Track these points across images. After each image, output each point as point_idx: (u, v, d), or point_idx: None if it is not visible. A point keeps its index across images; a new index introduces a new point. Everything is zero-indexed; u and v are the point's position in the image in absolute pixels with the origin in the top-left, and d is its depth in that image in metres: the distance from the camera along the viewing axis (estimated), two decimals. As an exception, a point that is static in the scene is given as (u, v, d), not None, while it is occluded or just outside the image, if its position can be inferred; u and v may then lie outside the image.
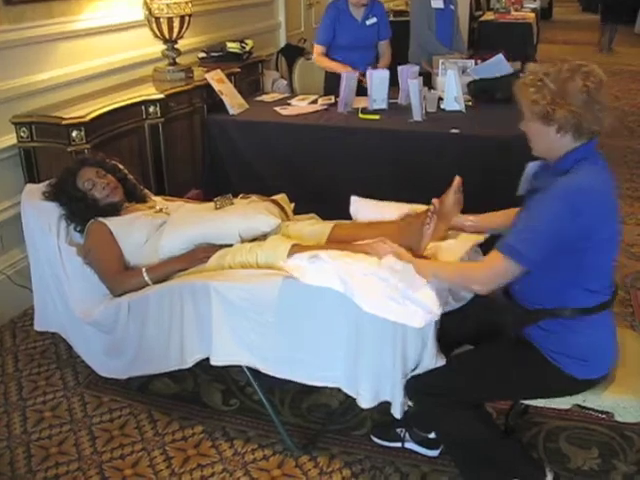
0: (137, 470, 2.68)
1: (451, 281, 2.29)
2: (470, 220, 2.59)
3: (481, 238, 2.55)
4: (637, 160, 6.53)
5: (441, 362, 2.27)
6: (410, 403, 2.40)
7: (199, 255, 2.74)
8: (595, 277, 2.10)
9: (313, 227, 2.85)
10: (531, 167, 2.25)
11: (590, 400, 2.23)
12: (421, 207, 2.68)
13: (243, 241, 2.74)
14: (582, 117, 1.97)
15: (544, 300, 2.13)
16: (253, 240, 2.75)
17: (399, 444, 2.73)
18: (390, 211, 2.77)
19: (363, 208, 2.91)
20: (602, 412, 2.29)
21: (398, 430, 2.73)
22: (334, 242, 2.69)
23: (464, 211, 2.60)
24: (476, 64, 4.91)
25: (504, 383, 2.24)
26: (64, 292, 2.96)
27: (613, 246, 2.13)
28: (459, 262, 2.35)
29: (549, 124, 2.00)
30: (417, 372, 2.30)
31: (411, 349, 2.25)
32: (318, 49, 5.04)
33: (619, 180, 5.92)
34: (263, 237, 2.75)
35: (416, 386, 2.30)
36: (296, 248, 2.54)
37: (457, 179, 2.52)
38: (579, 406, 2.28)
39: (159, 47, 4.58)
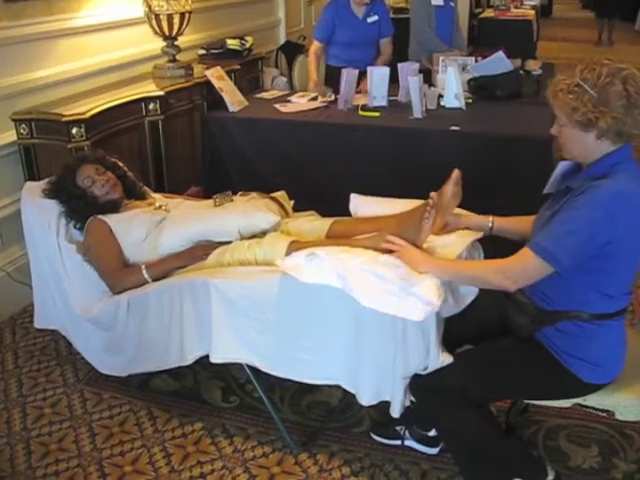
0: (137, 467, 2.68)
1: (468, 279, 2.28)
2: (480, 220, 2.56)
3: (480, 233, 2.54)
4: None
5: (448, 361, 2.25)
6: (409, 402, 2.39)
7: (198, 252, 2.74)
8: (617, 283, 2.09)
9: (312, 224, 2.85)
10: (562, 166, 2.21)
11: (591, 399, 2.23)
12: (420, 202, 2.67)
13: (242, 238, 2.74)
14: (624, 122, 1.94)
15: (563, 302, 2.12)
16: (252, 237, 2.75)
17: (399, 442, 2.73)
18: (389, 207, 2.76)
19: (363, 205, 2.91)
20: (603, 410, 2.28)
21: (398, 428, 2.73)
22: (333, 238, 2.69)
23: (464, 207, 2.59)
24: (476, 61, 4.91)
25: (511, 383, 2.23)
26: (64, 289, 2.96)
27: (637, 255, 2.08)
28: (475, 261, 2.29)
29: (588, 130, 1.97)
30: (423, 372, 2.28)
31: (412, 346, 2.23)
32: (315, 45, 5.04)
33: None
34: (262, 234, 2.75)
35: (420, 384, 2.30)
36: (294, 245, 2.54)
37: (456, 171, 2.50)
38: (579, 405, 2.28)
39: (159, 44, 4.58)
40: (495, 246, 2.53)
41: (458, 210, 2.58)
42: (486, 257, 2.62)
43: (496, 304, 2.35)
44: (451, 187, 2.48)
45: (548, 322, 2.16)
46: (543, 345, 2.19)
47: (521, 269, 2.06)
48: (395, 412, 2.37)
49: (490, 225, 2.50)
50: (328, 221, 2.84)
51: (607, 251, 1.98)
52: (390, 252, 2.35)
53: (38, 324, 3.17)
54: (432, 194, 2.43)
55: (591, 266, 2.01)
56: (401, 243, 2.33)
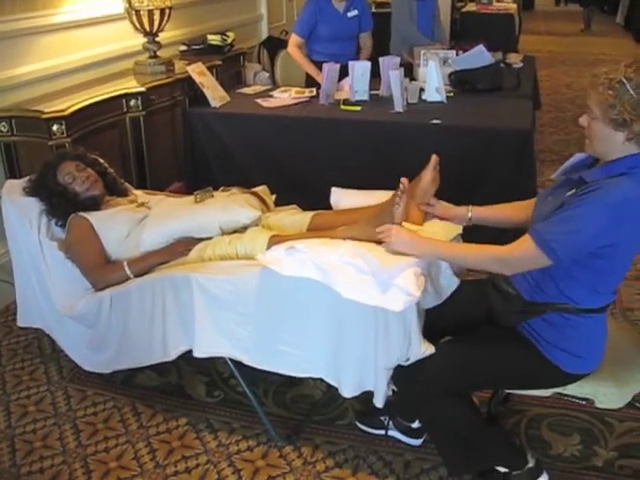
0: (121, 463, 2.68)
1: (467, 262, 2.26)
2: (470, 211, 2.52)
3: (460, 229, 2.55)
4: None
5: (429, 351, 2.25)
6: (392, 391, 2.41)
7: (180, 248, 2.75)
8: (607, 281, 2.10)
9: (293, 217, 2.85)
10: (577, 157, 2.19)
11: (570, 387, 2.25)
12: None
13: (224, 233, 2.75)
14: None
15: (553, 294, 2.13)
16: (234, 232, 2.75)
17: (382, 431, 2.75)
18: (370, 199, 2.76)
19: (343, 197, 2.92)
20: (582, 399, 2.31)
21: (382, 418, 2.75)
22: (314, 230, 2.70)
23: (444, 199, 2.59)
24: (457, 55, 4.93)
25: (492, 373, 2.25)
26: (46, 287, 2.96)
27: (635, 254, 2.09)
28: (470, 244, 2.25)
29: (620, 130, 1.94)
30: (406, 363, 2.29)
31: (394, 338, 2.24)
32: (295, 40, 5.05)
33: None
34: (243, 229, 2.76)
35: (402, 374, 2.31)
36: (275, 239, 2.55)
37: (434, 157, 2.50)
38: (559, 394, 2.30)
39: (140, 40, 4.57)
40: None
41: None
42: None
43: (480, 295, 2.37)
44: (429, 172, 2.49)
45: (536, 313, 2.17)
46: (525, 336, 2.21)
47: (520, 258, 2.06)
48: (378, 402, 2.37)
49: (469, 215, 2.50)
50: (309, 214, 2.85)
51: (605, 252, 1.98)
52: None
53: (21, 322, 3.16)
54: (403, 179, 2.42)
55: (587, 263, 2.02)
56: (388, 227, 2.30)
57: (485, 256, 2.14)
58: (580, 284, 2.08)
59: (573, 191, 2.06)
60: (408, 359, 2.26)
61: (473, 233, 2.50)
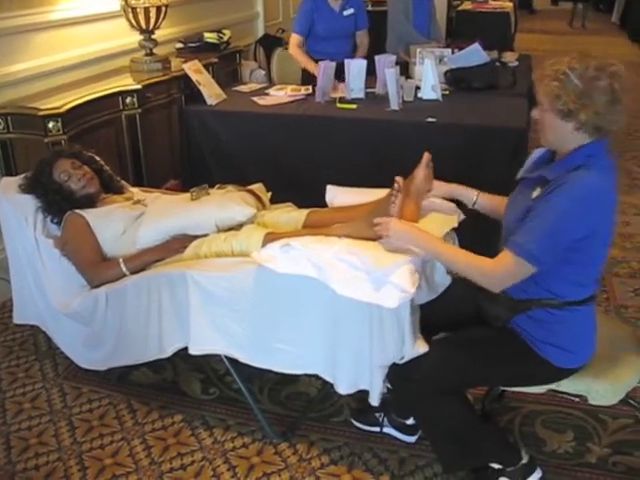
0: (117, 459, 2.69)
1: (456, 268, 2.25)
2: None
3: (455, 222, 2.56)
4: (613, 148, 6.56)
5: (423, 350, 2.26)
6: (386, 389, 2.41)
7: (175, 245, 2.75)
8: (587, 272, 2.12)
9: (289, 215, 2.87)
10: (536, 153, 2.23)
11: (564, 384, 2.27)
12: None
13: (219, 231, 2.75)
14: (603, 118, 1.95)
15: (535, 291, 2.14)
16: (229, 230, 2.76)
17: (377, 429, 2.76)
18: (365, 197, 2.77)
19: (339, 195, 2.93)
20: (576, 396, 2.32)
21: (377, 415, 2.76)
22: (310, 228, 2.70)
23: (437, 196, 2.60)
24: (453, 53, 4.93)
25: (485, 371, 2.26)
26: (42, 284, 2.97)
27: (608, 244, 2.12)
28: (466, 252, 2.22)
29: (568, 120, 1.98)
30: (401, 361, 2.30)
31: (389, 335, 2.25)
32: (295, 39, 5.05)
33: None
34: (239, 227, 2.76)
35: (397, 372, 2.32)
36: (270, 236, 2.55)
37: (426, 154, 2.51)
38: (553, 390, 2.31)
39: (136, 38, 4.56)
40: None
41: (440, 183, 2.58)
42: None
43: (470, 293, 2.37)
44: (422, 170, 2.50)
45: (521, 310, 2.19)
46: (516, 333, 2.22)
47: (505, 273, 2.07)
48: (373, 400, 2.38)
49: (474, 199, 2.51)
50: (304, 212, 2.86)
51: (581, 244, 2.00)
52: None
53: (17, 320, 3.17)
54: (397, 178, 2.43)
55: (565, 257, 2.04)
56: (386, 220, 2.29)
57: (474, 268, 2.14)
58: (562, 278, 2.11)
59: (538, 191, 2.10)
60: (403, 357, 2.27)
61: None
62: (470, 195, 2.53)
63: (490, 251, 2.15)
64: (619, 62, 1.99)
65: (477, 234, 2.67)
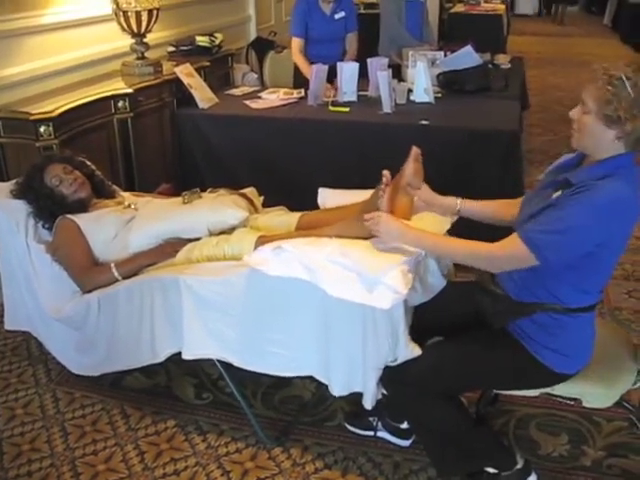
0: (110, 465, 2.67)
1: (455, 255, 2.25)
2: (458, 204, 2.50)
3: (448, 224, 2.55)
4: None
5: (417, 352, 2.26)
6: (381, 395, 2.40)
7: (167, 249, 2.75)
8: (595, 281, 2.11)
9: (281, 218, 2.86)
10: (565, 157, 2.21)
11: (558, 387, 2.27)
12: None
13: (211, 234, 2.75)
14: None
15: (541, 294, 2.13)
16: (221, 233, 2.75)
17: (371, 433, 2.75)
18: (357, 199, 2.75)
19: (330, 197, 2.93)
20: (571, 399, 2.32)
21: (371, 419, 2.75)
22: (302, 230, 2.70)
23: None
24: (445, 56, 4.94)
25: (481, 374, 2.26)
26: (34, 290, 2.95)
27: (621, 252, 2.09)
28: (459, 239, 2.23)
29: (612, 127, 1.93)
30: (394, 364, 2.29)
31: (382, 336, 2.24)
32: (296, 43, 5.03)
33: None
34: (231, 230, 2.75)
35: (391, 376, 2.31)
36: (262, 239, 2.55)
37: (414, 148, 2.50)
38: (548, 394, 2.31)
39: (127, 41, 4.55)
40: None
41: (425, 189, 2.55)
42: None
43: (466, 297, 2.36)
44: (411, 164, 2.48)
45: (524, 313, 2.17)
46: (514, 336, 2.21)
47: (508, 257, 2.06)
48: (367, 403, 2.37)
49: (458, 207, 2.48)
50: (296, 215, 2.85)
51: (593, 251, 1.99)
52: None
53: (8, 326, 3.15)
54: (384, 172, 2.41)
55: (574, 264, 2.02)
56: (377, 214, 2.28)
57: (473, 252, 2.13)
58: (568, 284, 2.09)
59: (559, 192, 2.06)
60: (396, 359, 2.26)
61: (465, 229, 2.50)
62: (452, 203, 2.50)
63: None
64: None
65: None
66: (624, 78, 1.89)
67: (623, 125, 1.91)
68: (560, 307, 2.11)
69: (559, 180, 2.10)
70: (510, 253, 2.05)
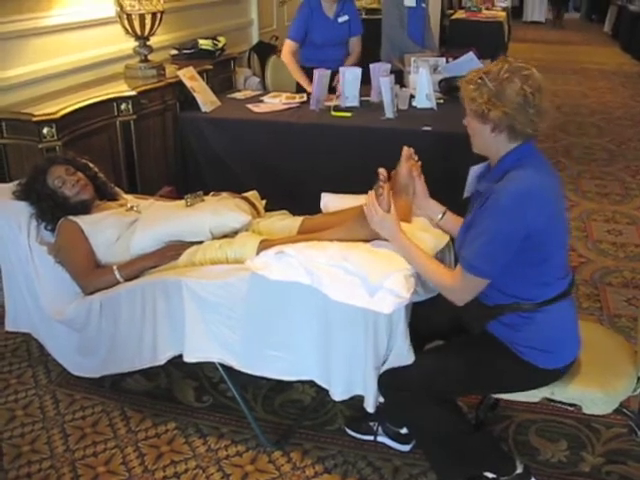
0: (110, 467, 2.68)
1: (426, 278, 2.30)
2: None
3: (445, 240, 2.56)
4: (605, 158, 6.61)
5: (412, 358, 2.28)
6: (382, 398, 2.41)
7: (170, 252, 2.75)
8: (549, 270, 2.14)
9: (283, 222, 2.87)
10: (474, 170, 2.30)
11: (558, 393, 2.28)
12: None
13: (214, 238, 2.75)
14: (515, 119, 2.02)
15: (501, 297, 2.17)
16: (224, 237, 2.76)
17: (371, 437, 2.75)
18: (359, 203, 2.76)
19: (332, 201, 2.94)
20: (570, 404, 2.32)
21: (371, 423, 2.75)
22: (304, 234, 2.70)
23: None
24: (447, 62, 4.95)
25: (475, 379, 2.27)
26: (35, 291, 2.95)
27: (563, 240, 2.16)
28: (436, 263, 2.29)
29: (485, 122, 2.06)
30: (389, 367, 2.31)
31: (382, 341, 2.26)
32: (288, 46, 5.03)
33: (585, 178, 6.00)
34: (234, 234, 2.76)
35: (387, 381, 2.32)
36: (265, 244, 2.56)
37: (405, 148, 2.54)
38: (547, 399, 2.32)
39: (131, 44, 4.57)
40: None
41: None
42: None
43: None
44: (404, 165, 2.51)
45: (491, 317, 2.21)
46: (497, 338, 2.23)
47: (461, 289, 2.14)
48: (369, 406, 2.38)
49: (440, 216, 2.53)
50: (299, 219, 2.87)
51: (530, 244, 2.03)
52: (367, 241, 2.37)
53: (9, 327, 3.14)
54: (380, 170, 2.43)
55: (520, 259, 2.06)
56: (378, 208, 2.31)
57: (439, 282, 2.21)
58: (524, 280, 2.13)
59: (477, 205, 2.15)
60: (387, 359, 2.29)
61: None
62: (435, 215, 2.55)
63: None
64: (532, 67, 2.08)
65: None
66: (484, 75, 2.04)
67: (488, 116, 2.02)
68: (526, 304, 2.15)
69: (475, 193, 2.21)
70: (462, 285, 2.13)
